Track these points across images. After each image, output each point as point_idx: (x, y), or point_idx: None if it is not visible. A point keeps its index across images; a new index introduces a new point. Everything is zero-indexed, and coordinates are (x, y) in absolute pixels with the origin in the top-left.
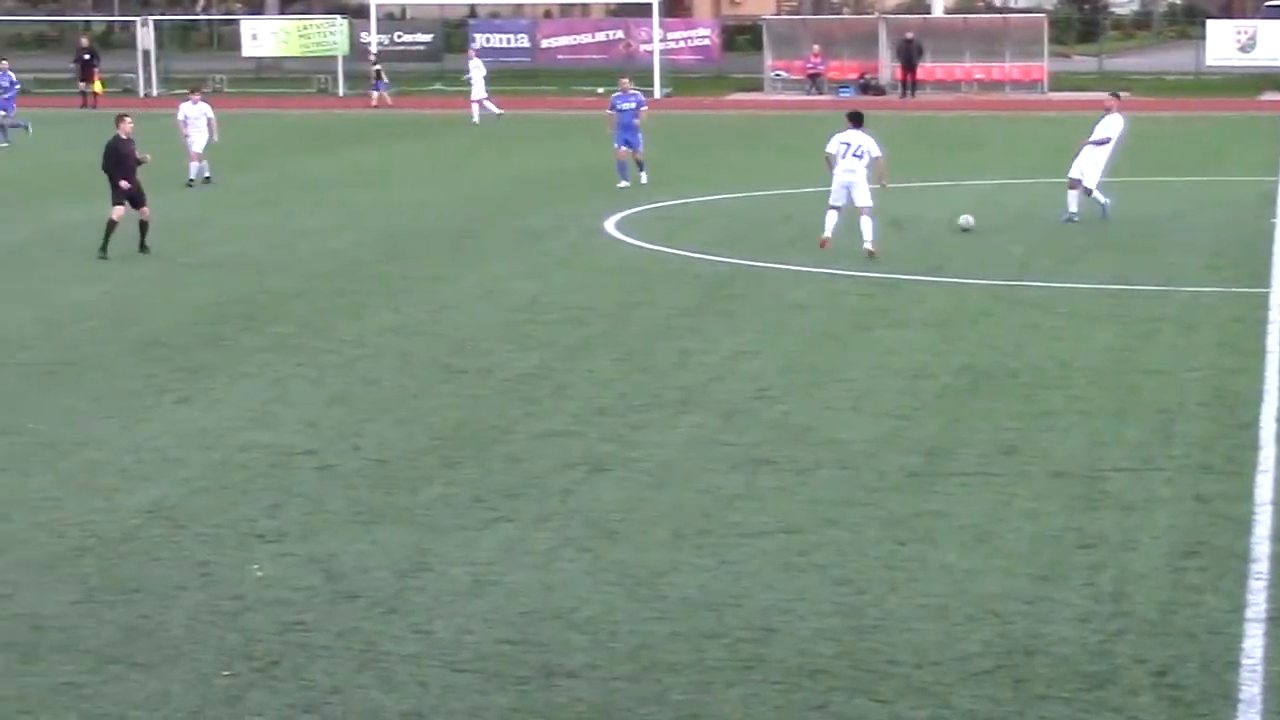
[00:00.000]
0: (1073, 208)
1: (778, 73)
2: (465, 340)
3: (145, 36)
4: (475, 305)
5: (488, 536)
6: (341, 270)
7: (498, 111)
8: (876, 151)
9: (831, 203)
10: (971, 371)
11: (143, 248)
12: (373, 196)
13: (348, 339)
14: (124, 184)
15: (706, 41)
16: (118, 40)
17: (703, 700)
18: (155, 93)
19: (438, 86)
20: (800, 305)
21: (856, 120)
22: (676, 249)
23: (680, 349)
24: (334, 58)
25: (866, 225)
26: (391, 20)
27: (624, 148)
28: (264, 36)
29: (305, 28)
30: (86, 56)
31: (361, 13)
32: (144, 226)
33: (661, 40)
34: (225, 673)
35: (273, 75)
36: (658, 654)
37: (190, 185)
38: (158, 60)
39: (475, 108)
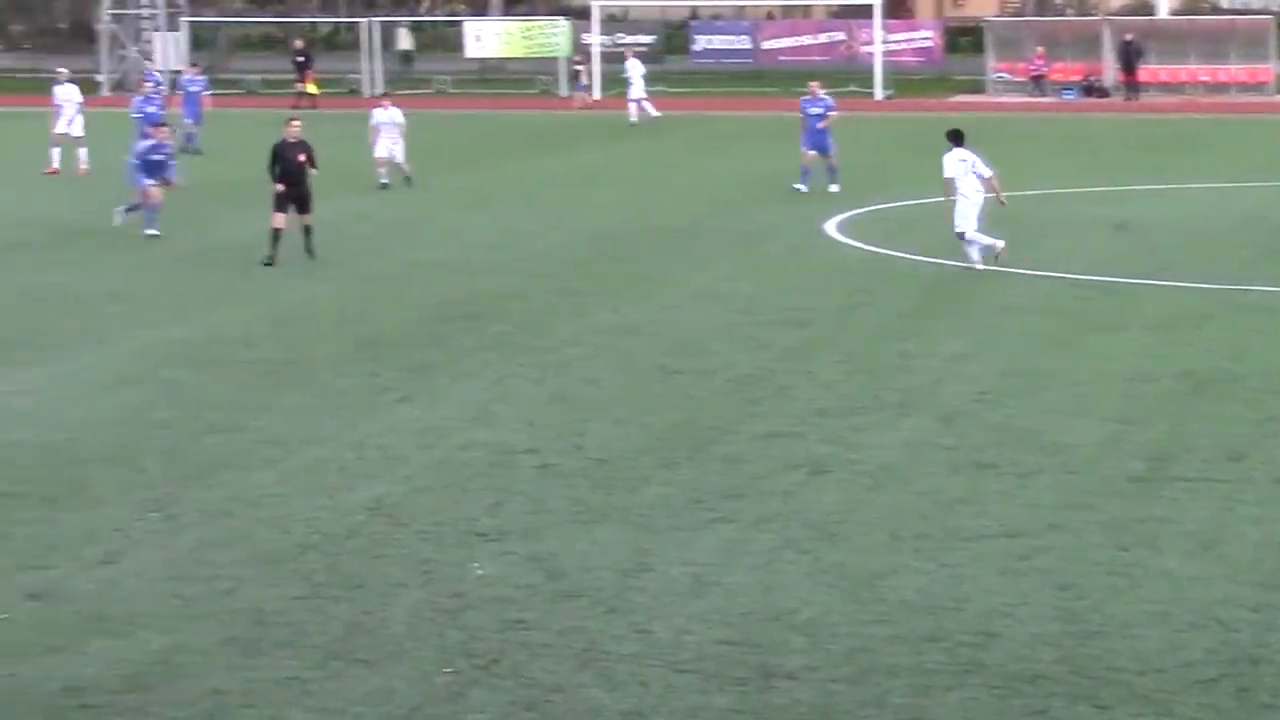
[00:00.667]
0: None
1: (1000, 74)
2: (685, 341)
3: (404, 38)
4: (694, 306)
5: (707, 537)
6: (560, 270)
7: (655, 113)
8: (988, 171)
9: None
10: (1194, 376)
11: (308, 252)
12: (591, 196)
13: (567, 338)
14: (279, 187)
15: (929, 43)
16: (343, 41)
17: (921, 704)
18: (379, 93)
19: (659, 88)
20: (1018, 308)
21: (959, 138)
22: (897, 251)
23: (900, 351)
24: (556, 59)
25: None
26: (613, 21)
27: (811, 152)
28: (487, 38)
29: (528, 29)
30: (301, 59)
31: (584, 14)
32: (307, 231)
33: (883, 42)
34: (446, 670)
35: (496, 76)
36: (876, 657)
37: (384, 188)
38: (384, 61)
39: (633, 107)
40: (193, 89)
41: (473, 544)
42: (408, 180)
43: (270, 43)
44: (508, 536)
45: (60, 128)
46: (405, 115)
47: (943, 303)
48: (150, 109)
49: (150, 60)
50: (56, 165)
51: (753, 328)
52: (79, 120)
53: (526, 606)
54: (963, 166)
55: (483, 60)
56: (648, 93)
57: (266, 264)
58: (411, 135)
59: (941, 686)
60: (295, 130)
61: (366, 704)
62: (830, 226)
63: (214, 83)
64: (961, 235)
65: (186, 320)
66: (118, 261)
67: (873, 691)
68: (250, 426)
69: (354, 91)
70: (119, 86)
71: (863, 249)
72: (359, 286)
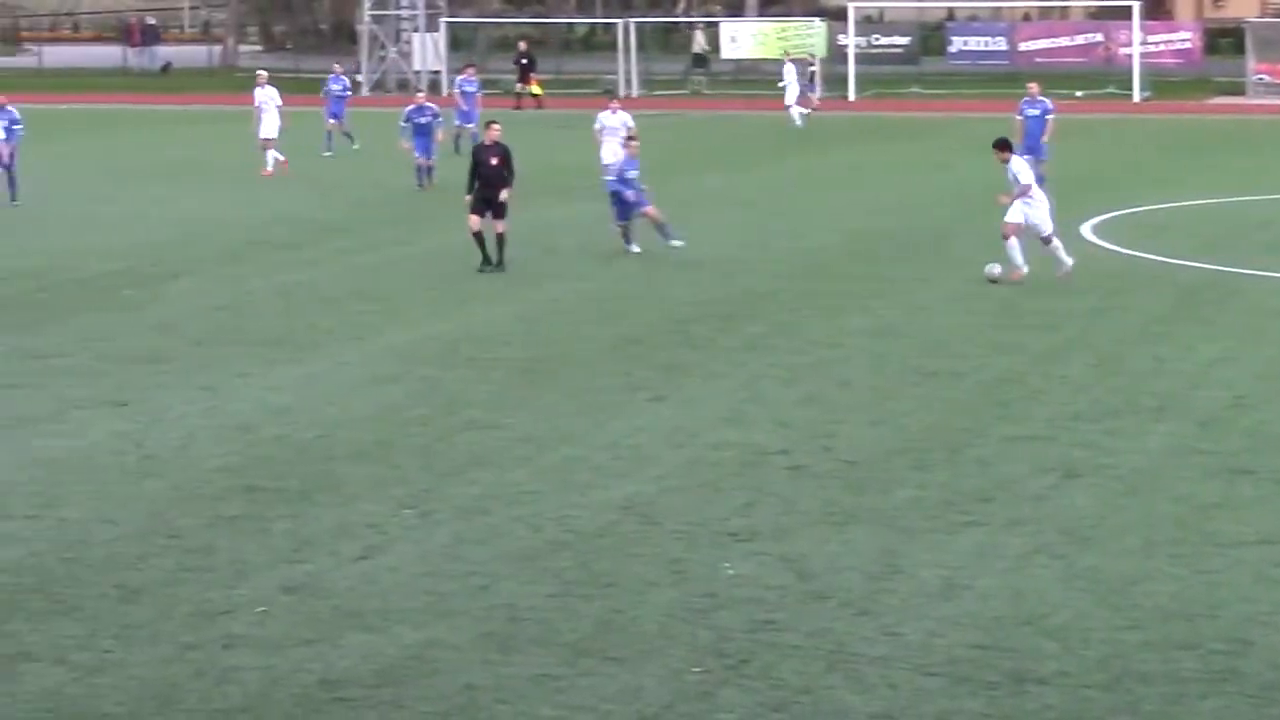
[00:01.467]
0: None
1: (1261, 76)
2: (937, 343)
3: (698, 40)
4: (947, 308)
5: (959, 540)
6: (813, 270)
7: (799, 120)
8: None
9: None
10: None
11: (499, 263)
12: (845, 197)
13: (819, 339)
14: (469, 196)
15: (1188, 44)
16: (599, 42)
17: (1174, 712)
18: (635, 94)
19: (914, 89)
20: (1276, 312)
21: (1008, 147)
22: (1152, 254)
23: (1154, 355)
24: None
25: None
26: (869, 23)
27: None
28: (743, 38)
29: (783, 30)
30: (524, 61)
31: (840, 15)
32: (499, 240)
33: (1141, 43)
34: (696, 669)
35: (750, 77)
36: (1129, 663)
37: None
38: (638, 62)
39: (793, 112)
40: (468, 89)
41: (724, 544)
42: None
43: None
44: (759, 537)
45: (263, 132)
46: (660, 116)
47: (1197, 306)
48: (424, 119)
49: (405, 60)
50: (271, 168)
51: (1005, 330)
52: (272, 122)
53: (777, 607)
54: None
55: (737, 61)
56: (812, 96)
57: (483, 269)
58: (668, 135)
59: (1195, 694)
60: (494, 134)
61: (616, 701)
62: (1086, 229)
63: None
64: (1048, 239)
65: (439, 318)
66: (361, 261)
67: (1125, 698)
68: (505, 424)
69: (609, 92)
70: (378, 87)
71: (1118, 252)
72: (612, 285)
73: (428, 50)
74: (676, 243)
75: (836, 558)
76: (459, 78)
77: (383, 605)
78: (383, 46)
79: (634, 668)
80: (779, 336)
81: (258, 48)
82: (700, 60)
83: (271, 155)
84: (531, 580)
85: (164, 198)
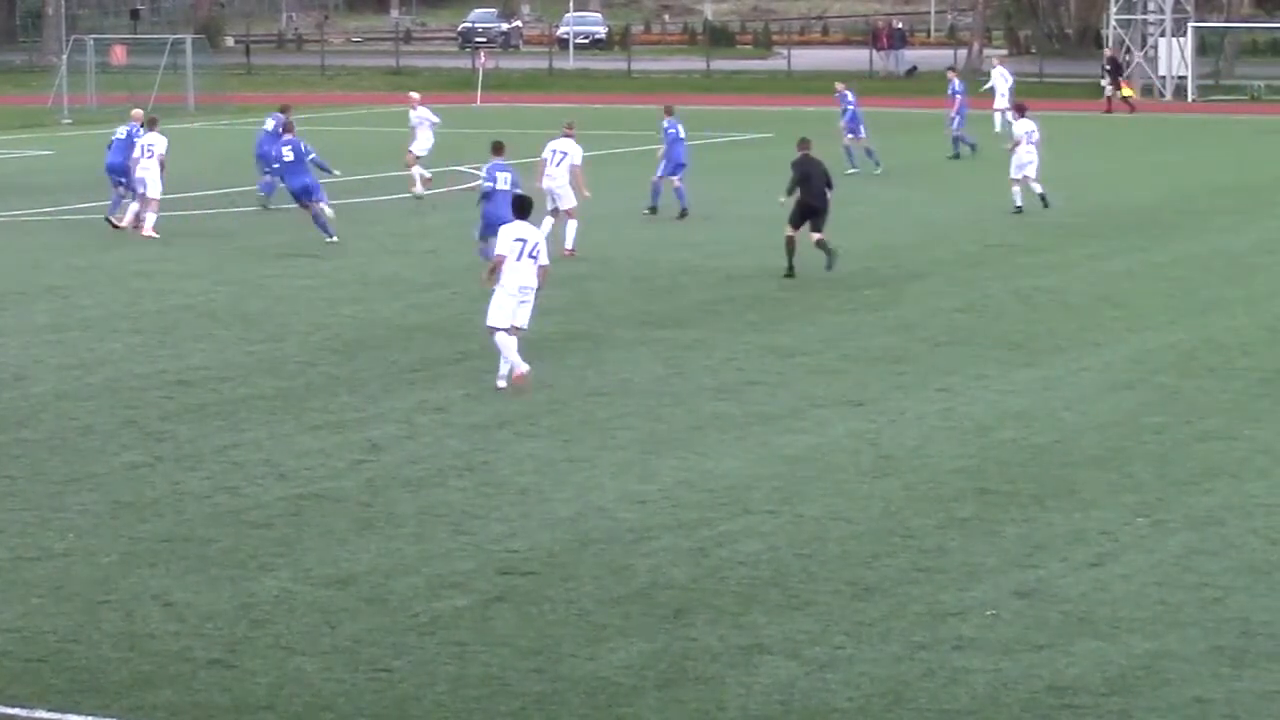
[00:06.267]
0: None
1: None
2: None
3: None
4: None
5: None
6: None
7: (997, 128)
8: None
9: None
10: None
11: (829, 267)
12: None
13: None
14: (784, 200)
15: None
16: None
17: None
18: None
19: None
20: None
21: None
22: None
23: None
24: None
25: None
26: None
27: None
28: None
29: None
30: (1111, 65)
31: None
32: (820, 246)
33: None
34: None
35: None
36: None
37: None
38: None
39: (998, 117)
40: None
41: None
42: (1043, 199)
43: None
44: None
45: (416, 149)
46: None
47: None
48: None
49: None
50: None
51: None
52: (425, 140)
53: None
54: None
55: None
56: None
57: (786, 275)
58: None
59: None
60: (806, 146)
61: None
62: None
63: (1215, 89)
64: None
65: (1179, 326)
66: (1107, 267)
67: None
68: (1244, 435)
69: None
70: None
71: None
72: None
73: (1174, 55)
74: None
75: None
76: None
77: (1113, 613)
78: (1128, 51)
79: None
80: None
81: (1002, 52)
82: None
83: (415, 171)
84: (1265, 594)
85: (900, 200)
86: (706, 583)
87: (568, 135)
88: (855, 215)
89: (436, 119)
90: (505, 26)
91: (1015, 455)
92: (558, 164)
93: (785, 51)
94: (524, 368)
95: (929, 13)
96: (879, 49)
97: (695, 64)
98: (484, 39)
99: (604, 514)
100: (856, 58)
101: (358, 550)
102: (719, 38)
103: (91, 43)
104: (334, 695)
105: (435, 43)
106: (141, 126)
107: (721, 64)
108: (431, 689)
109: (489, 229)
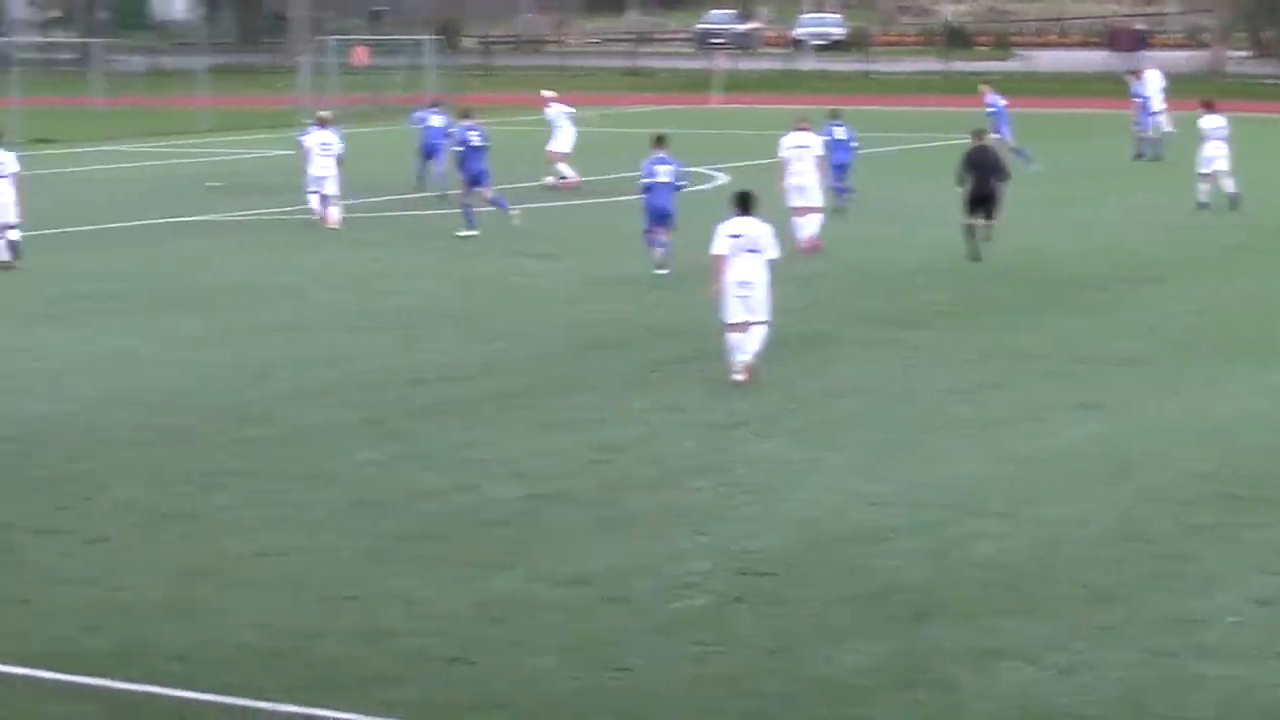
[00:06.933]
0: None
1: None
2: None
3: None
4: None
5: None
6: None
7: (1153, 135)
8: None
9: None
10: None
11: (975, 256)
12: None
13: None
14: (960, 189)
15: None
16: None
17: None
18: None
19: None
20: None
21: None
22: None
23: None
24: None
25: None
26: None
27: None
28: None
29: None
30: None
31: None
32: (983, 231)
33: None
34: None
35: None
36: None
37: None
38: None
39: (1163, 119)
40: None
41: None
42: (1232, 200)
43: None
44: None
45: (557, 147)
46: None
47: None
48: None
49: None
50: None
51: None
52: (567, 136)
53: None
54: None
55: None
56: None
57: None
58: None
59: None
60: (987, 138)
61: None
62: None
63: None
64: None
65: None
66: None
67: None
68: None
69: None
70: None
71: None
72: None
73: None
74: None
75: None
76: None
77: None
78: None
79: None
80: None
81: (1244, 53)
82: None
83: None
84: None
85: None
86: (943, 585)
87: (803, 129)
88: (1083, 218)
89: (572, 109)
90: (743, 28)
91: (1258, 459)
92: (801, 159)
93: (1024, 53)
94: (748, 358)
95: (1170, 14)
96: (1117, 50)
97: (933, 65)
98: (721, 40)
99: (840, 515)
100: (1096, 59)
101: (595, 550)
102: (957, 39)
103: (334, 43)
104: (572, 694)
105: (673, 44)
106: (315, 125)
107: (959, 65)
108: (670, 688)
109: (653, 220)
